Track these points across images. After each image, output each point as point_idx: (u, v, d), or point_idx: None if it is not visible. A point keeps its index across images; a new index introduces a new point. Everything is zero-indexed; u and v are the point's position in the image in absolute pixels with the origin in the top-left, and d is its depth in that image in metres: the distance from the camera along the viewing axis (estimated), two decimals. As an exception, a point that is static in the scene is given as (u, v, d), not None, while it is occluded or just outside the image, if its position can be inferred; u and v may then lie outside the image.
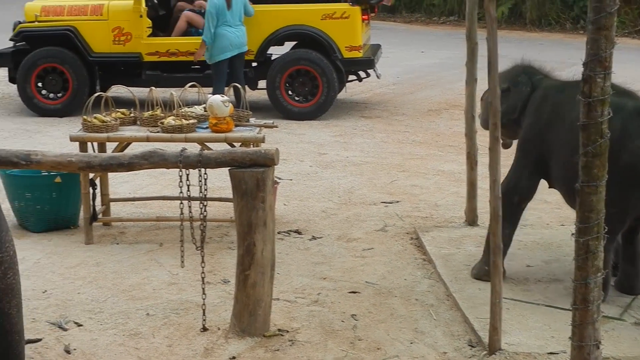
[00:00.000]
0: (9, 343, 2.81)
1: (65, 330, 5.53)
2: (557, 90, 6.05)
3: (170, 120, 7.16)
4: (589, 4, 3.47)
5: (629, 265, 5.98)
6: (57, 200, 7.39)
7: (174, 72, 12.07)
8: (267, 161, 5.28)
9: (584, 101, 3.53)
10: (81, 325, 5.61)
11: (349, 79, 12.75)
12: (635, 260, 5.97)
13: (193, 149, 5.84)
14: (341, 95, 12.95)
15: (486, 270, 5.82)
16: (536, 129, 6.04)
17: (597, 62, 3.48)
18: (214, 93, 11.53)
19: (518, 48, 18.37)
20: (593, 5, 3.43)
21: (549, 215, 7.75)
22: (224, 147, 6.62)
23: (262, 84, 12.25)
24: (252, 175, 5.25)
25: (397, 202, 8.32)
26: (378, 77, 12.75)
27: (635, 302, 5.84)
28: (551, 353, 5.09)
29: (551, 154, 5.93)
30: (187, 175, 5.45)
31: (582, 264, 3.74)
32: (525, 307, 5.75)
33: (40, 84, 12.21)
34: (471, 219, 7.43)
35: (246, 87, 11.61)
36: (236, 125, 7.28)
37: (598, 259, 3.71)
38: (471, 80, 7.16)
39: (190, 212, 5.52)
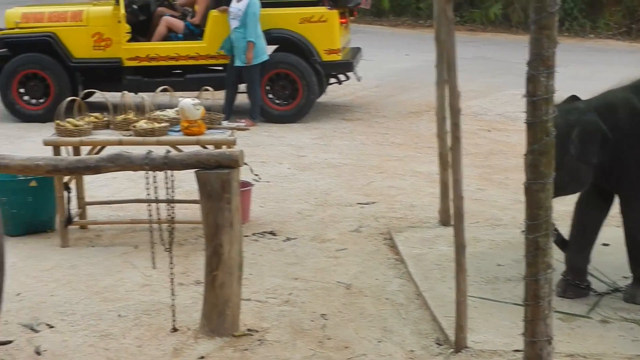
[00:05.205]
0: None
1: (36, 332, 5.59)
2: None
3: (142, 124, 7.21)
4: (531, 4, 3.54)
5: None
6: (32, 204, 7.42)
7: (154, 76, 12.10)
8: (232, 163, 5.35)
9: (528, 100, 3.60)
10: (53, 327, 5.66)
11: (330, 82, 12.83)
12: None
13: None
14: (323, 98, 13.02)
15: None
16: None
17: (540, 61, 3.56)
18: (254, 98, 11.78)
19: (504, 50, 18.56)
20: (535, 6, 3.51)
21: (523, 215, 7.78)
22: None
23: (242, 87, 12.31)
24: (217, 176, 5.32)
25: (373, 203, 8.38)
26: (358, 80, 12.81)
27: (603, 301, 5.90)
28: (516, 350, 5.12)
29: None
30: (154, 177, 5.52)
31: (532, 260, 3.81)
32: (494, 306, 5.82)
33: (22, 90, 12.26)
34: (444, 219, 7.47)
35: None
36: (209, 128, 7.35)
37: (547, 256, 3.77)
38: (441, 81, 7.19)
39: (158, 214, 5.57)
